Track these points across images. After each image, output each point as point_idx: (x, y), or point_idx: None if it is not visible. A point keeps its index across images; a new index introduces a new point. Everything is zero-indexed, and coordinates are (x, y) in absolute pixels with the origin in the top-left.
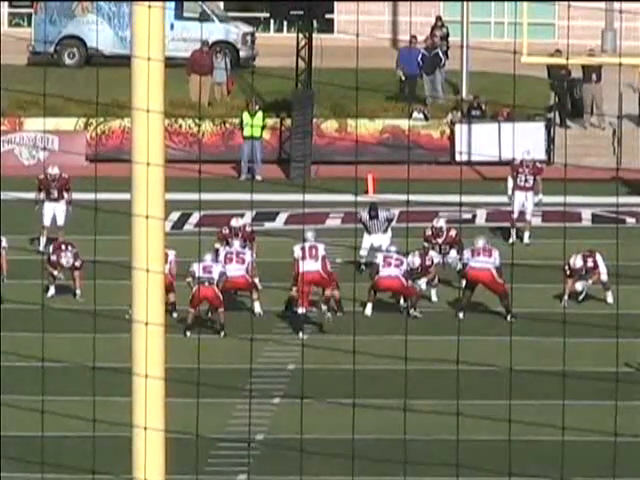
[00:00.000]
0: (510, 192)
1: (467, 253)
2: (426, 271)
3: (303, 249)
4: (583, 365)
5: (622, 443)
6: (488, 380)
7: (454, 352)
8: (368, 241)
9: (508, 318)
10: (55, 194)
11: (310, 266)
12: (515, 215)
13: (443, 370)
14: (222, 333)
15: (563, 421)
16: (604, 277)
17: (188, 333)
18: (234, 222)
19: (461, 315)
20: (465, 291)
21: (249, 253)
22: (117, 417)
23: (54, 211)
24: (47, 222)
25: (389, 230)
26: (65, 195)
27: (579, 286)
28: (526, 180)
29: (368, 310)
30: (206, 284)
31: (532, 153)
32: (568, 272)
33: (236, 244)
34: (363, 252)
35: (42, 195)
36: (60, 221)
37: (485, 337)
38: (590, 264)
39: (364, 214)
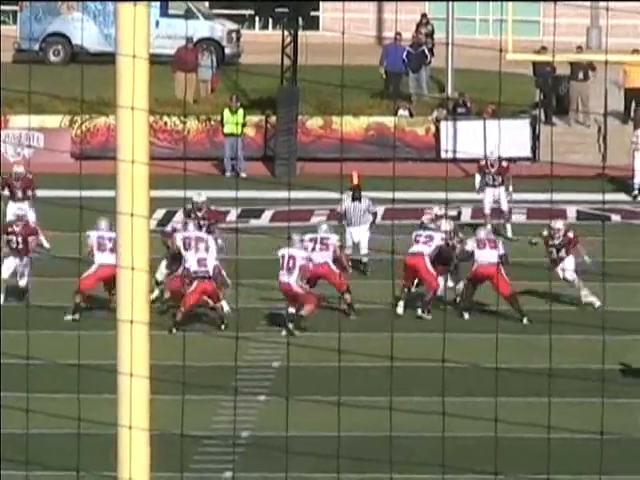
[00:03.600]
0: (478, 187)
1: (471, 243)
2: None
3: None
4: (570, 363)
5: (609, 441)
6: (474, 378)
7: (440, 350)
8: (349, 234)
9: (524, 321)
10: (19, 194)
11: (319, 259)
12: (487, 211)
13: (429, 368)
14: (223, 326)
15: (549, 419)
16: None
17: (174, 330)
18: (196, 197)
19: (467, 316)
20: (468, 288)
21: (212, 239)
22: (102, 415)
23: (20, 211)
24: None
25: (369, 226)
26: (29, 193)
27: (569, 275)
28: (494, 179)
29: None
30: (206, 280)
31: (496, 152)
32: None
33: (192, 228)
34: (348, 251)
35: (6, 192)
36: (32, 218)
37: (472, 334)
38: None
39: (344, 204)
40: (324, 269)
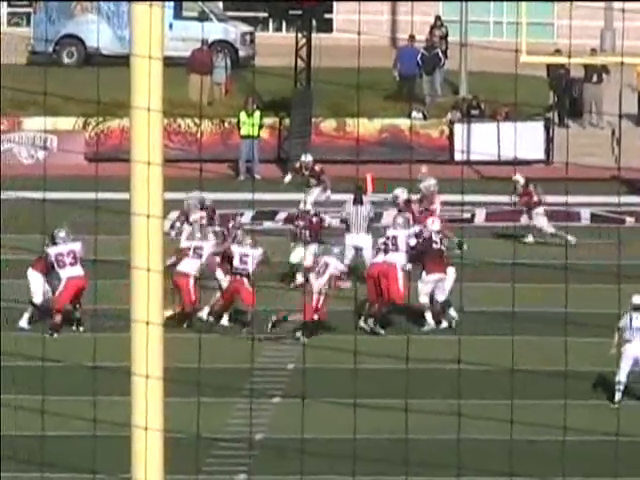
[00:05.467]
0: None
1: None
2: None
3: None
4: (584, 365)
5: (623, 443)
6: (489, 380)
7: (456, 351)
8: (350, 241)
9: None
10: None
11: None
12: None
13: (444, 369)
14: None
15: (565, 421)
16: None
17: (226, 318)
18: (206, 196)
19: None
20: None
21: (209, 245)
22: (117, 417)
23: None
24: None
25: (369, 232)
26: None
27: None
28: (309, 182)
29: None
30: (242, 278)
31: (309, 155)
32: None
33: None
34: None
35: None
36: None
37: (486, 336)
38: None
39: (346, 209)
40: (389, 271)
